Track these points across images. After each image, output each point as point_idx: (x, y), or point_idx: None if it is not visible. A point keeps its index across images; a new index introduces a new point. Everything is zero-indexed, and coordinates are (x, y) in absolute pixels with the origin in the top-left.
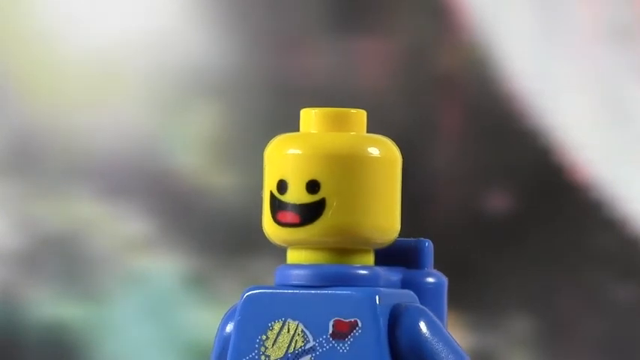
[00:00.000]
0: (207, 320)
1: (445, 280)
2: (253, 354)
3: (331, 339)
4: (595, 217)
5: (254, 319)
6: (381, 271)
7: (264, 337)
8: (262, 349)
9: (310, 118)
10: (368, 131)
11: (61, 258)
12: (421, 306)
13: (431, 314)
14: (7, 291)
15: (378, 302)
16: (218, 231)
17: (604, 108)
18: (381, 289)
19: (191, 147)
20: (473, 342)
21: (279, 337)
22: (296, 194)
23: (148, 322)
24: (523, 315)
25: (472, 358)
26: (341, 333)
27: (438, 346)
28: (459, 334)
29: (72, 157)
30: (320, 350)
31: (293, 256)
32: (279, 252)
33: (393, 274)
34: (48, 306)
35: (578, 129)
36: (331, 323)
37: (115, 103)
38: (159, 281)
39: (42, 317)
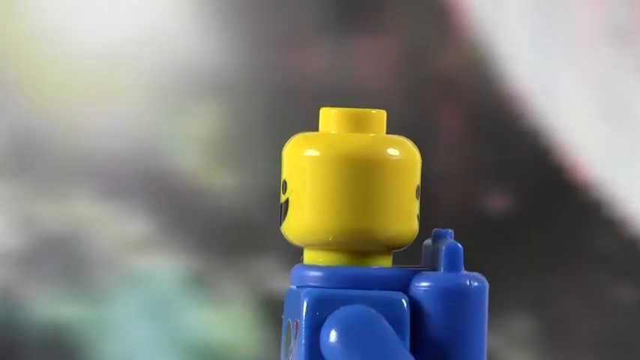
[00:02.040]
0: (207, 320)
1: (487, 284)
2: (288, 348)
3: (294, 339)
4: (595, 217)
5: (287, 316)
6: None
7: (287, 333)
8: (287, 343)
9: (329, 117)
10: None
11: (61, 258)
12: (352, 314)
13: (352, 325)
14: (7, 291)
15: (305, 306)
16: (218, 231)
17: (604, 108)
18: (328, 290)
19: (191, 147)
20: None
21: (287, 334)
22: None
23: (148, 322)
24: (523, 315)
25: None
26: (295, 333)
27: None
28: None
29: (72, 158)
30: (292, 350)
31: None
32: (279, 252)
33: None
34: (48, 306)
35: (578, 129)
36: (294, 323)
37: (115, 104)
38: (159, 281)
39: (42, 317)
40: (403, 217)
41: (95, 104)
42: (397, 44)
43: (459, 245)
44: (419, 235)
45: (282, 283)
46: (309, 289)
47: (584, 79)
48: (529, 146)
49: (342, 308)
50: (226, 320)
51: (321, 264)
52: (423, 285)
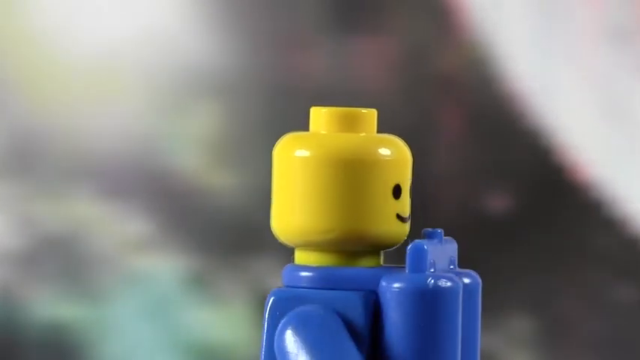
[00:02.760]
0: (207, 320)
1: (460, 284)
2: None
3: None
4: (595, 217)
5: None
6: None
7: None
8: None
9: (320, 117)
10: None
11: (61, 258)
12: (304, 313)
13: (298, 325)
14: (7, 291)
15: (268, 306)
16: (218, 231)
17: (604, 108)
18: (292, 290)
19: (191, 147)
20: None
21: None
22: None
23: (148, 322)
24: (523, 315)
25: None
26: None
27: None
28: None
29: (72, 158)
30: None
31: (301, 257)
32: (279, 252)
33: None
34: (48, 306)
35: (578, 129)
36: None
37: (115, 104)
38: (159, 281)
39: (42, 317)
40: (393, 217)
41: (95, 104)
42: (397, 44)
43: (425, 246)
44: (417, 234)
45: (281, 283)
46: (276, 289)
47: (584, 79)
48: (529, 146)
49: (296, 308)
50: (226, 320)
51: (312, 264)
52: (384, 284)
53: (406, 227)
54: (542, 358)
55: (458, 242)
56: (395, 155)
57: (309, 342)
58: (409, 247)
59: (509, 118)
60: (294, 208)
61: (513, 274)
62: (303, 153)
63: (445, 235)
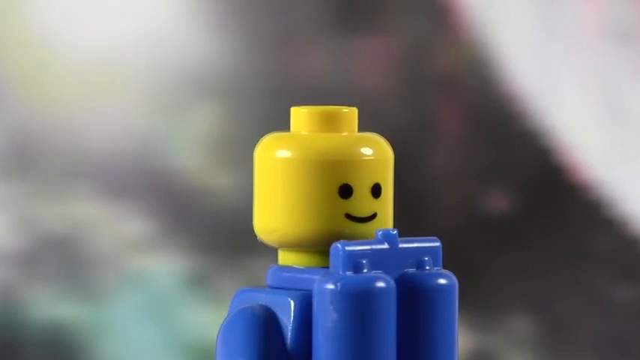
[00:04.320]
0: (207, 320)
1: (456, 281)
2: None
3: None
4: (595, 217)
5: None
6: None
7: None
8: None
9: (300, 117)
10: (367, 130)
11: (61, 258)
12: (240, 314)
13: (226, 325)
14: (7, 291)
15: (230, 304)
16: (218, 231)
17: (604, 108)
18: (252, 290)
19: (191, 147)
20: (473, 342)
21: None
22: None
23: (148, 322)
24: (523, 315)
25: (472, 358)
26: None
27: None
28: (459, 334)
29: (72, 158)
30: None
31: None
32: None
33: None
34: (48, 306)
35: (578, 129)
36: None
37: (115, 104)
38: (159, 281)
39: (42, 317)
40: (388, 215)
41: (95, 104)
42: (397, 44)
43: (340, 247)
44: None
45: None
46: (241, 289)
47: (584, 79)
48: (529, 146)
49: (238, 309)
50: None
51: (293, 265)
52: (316, 284)
53: (367, 227)
54: (542, 358)
55: (458, 242)
56: (385, 154)
57: (230, 343)
58: (330, 248)
59: (509, 118)
60: (275, 209)
61: (513, 274)
62: (283, 154)
63: (445, 235)
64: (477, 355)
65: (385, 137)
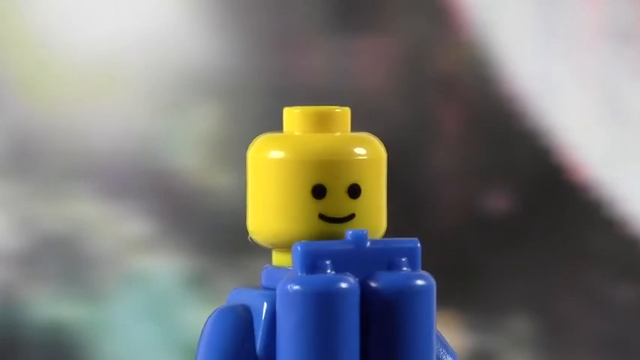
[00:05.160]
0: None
1: (433, 283)
2: None
3: None
4: (595, 217)
5: None
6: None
7: None
8: None
9: (292, 118)
10: (367, 130)
11: (61, 258)
12: (217, 314)
13: (208, 324)
14: (7, 291)
15: (226, 302)
16: (218, 231)
17: (604, 108)
18: (243, 289)
19: (191, 147)
20: (473, 342)
21: None
22: None
23: (148, 322)
24: (523, 315)
25: (472, 358)
26: None
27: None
28: (459, 334)
29: (72, 158)
30: None
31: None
32: None
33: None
34: (48, 306)
35: (578, 129)
36: None
37: (115, 104)
38: (159, 281)
39: (42, 317)
40: (383, 214)
41: (95, 104)
42: (397, 44)
43: (299, 248)
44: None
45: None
46: (237, 288)
47: (584, 79)
48: (529, 146)
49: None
50: None
51: (285, 266)
52: (278, 285)
53: (345, 227)
54: (542, 358)
55: (458, 242)
56: (378, 154)
57: (202, 340)
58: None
59: (509, 118)
60: (256, 209)
61: (513, 274)
62: (262, 154)
63: (445, 235)
64: (477, 355)
65: (385, 137)
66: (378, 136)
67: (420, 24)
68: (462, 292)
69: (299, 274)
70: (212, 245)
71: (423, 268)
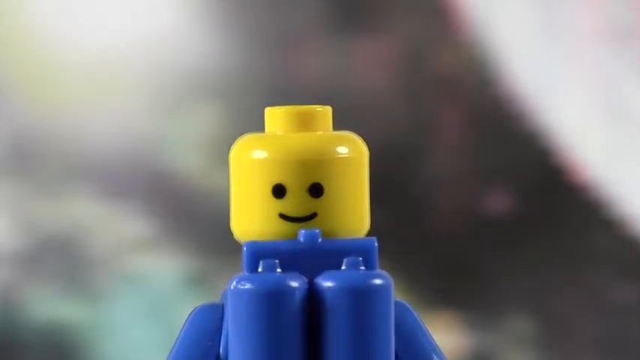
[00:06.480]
0: None
1: (390, 282)
2: None
3: None
4: (595, 217)
5: None
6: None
7: None
8: None
9: (275, 117)
10: (368, 130)
11: (61, 258)
12: (200, 309)
13: (190, 318)
14: (7, 291)
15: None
16: (218, 231)
17: (604, 109)
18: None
19: (191, 147)
20: (473, 342)
21: None
22: None
23: (148, 322)
24: (523, 315)
25: (472, 358)
26: None
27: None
28: (459, 334)
29: (72, 158)
30: None
31: None
32: None
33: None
34: (48, 306)
35: (577, 130)
36: None
37: (115, 104)
38: (159, 281)
39: (42, 317)
40: (356, 214)
41: (95, 104)
42: (396, 44)
43: (245, 248)
44: (417, 235)
45: None
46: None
47: (584, 79)
48: (528, 147)
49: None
50: None
51: None
52: (229, 283)
53: (300, 226)
54: (542, 358)
55: (458, 242)
56: (360, 152)
57: (179, 334)
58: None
59: (508, 119)
60: (236, 209)
61: (513, 274)
62: (234, 154)
63: (445, 236)
64: (477, 355)
65: (384, 137)
66: (377, 136)
67: (420, 24)
68: (462, 292)
69: (245, 273)
70: (212, 245)
71: (421, 268)
